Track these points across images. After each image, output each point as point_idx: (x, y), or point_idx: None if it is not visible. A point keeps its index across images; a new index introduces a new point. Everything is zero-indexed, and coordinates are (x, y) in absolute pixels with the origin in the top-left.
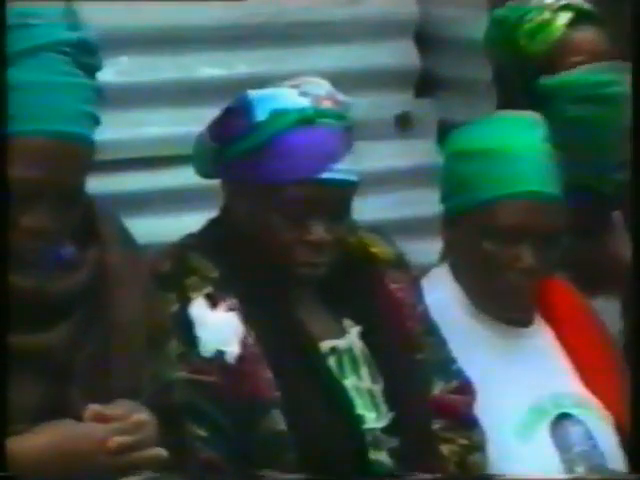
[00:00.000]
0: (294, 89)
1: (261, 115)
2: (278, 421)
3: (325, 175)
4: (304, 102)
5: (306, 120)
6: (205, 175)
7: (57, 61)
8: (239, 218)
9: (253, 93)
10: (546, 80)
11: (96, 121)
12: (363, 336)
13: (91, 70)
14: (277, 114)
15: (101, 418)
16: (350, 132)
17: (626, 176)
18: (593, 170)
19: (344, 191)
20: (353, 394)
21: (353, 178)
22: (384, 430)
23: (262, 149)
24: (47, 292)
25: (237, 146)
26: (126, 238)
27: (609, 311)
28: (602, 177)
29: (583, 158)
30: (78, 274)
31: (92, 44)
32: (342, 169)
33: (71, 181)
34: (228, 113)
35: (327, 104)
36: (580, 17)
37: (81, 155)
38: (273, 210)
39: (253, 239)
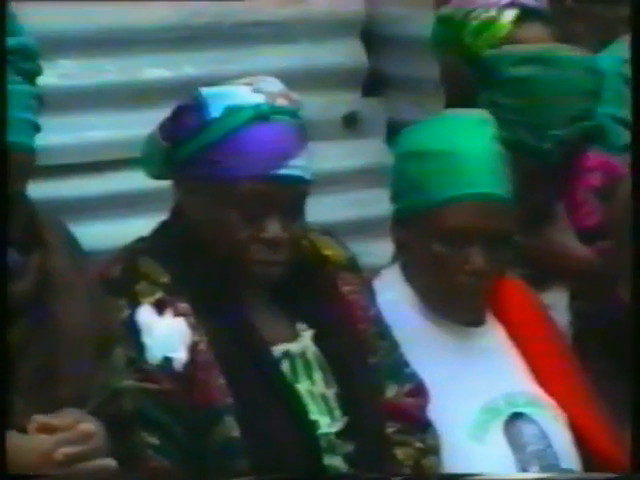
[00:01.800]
0: (247, 86)
1: (215, 112)
2: (231, 427)
3: (280, 172)
4: (258, 99)
5: (261, 117)
6: (156, 176)
7: None
8: (192, 219)
9: (206, 90)
10: (490, 51)
11: (36, 128)
12: (316, 340)
13: (31, 76)
14: (231, 111)
15: (47, 429)
16: (304, 130)
17: (565, 132)
18: (532, 128)
19: (299, 188)
20: (307, 399)
21: (308, 176)
22: (338, 435)
23: (216, 146)
24: None
25: (190, 144)
26: (71, 244)
27: (557, 304)
28: (541, 133)
29: (523, 118)
30: (22, 280)
31: (31, 49)
32: (297, 166)
33: (12, 189)
34: (180, 111)
35: (281, 101)
36: (526, 14)
37: (23, 164)
38: (228, 207)
39: (207, 239)
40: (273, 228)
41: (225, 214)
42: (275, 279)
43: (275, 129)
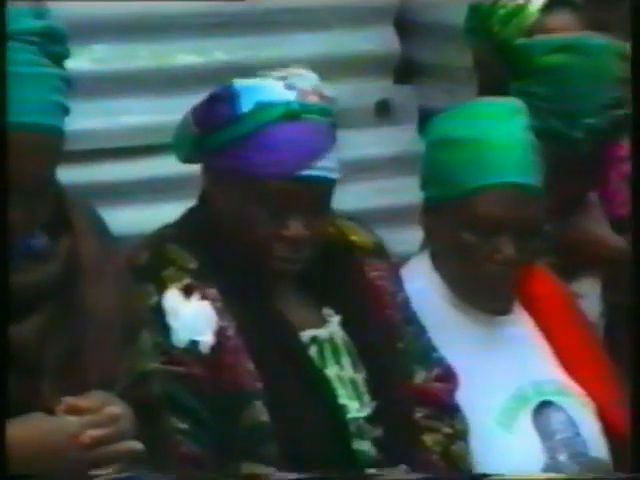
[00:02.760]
0: (280, 81)
1: (246, 106)
2: (260, 412)
3: (307, 172)
4: (290, 96)
5: (291, 115)
6: (185, 160)
7: (23, 51)
8: (217, 207)
9: (239, 83)
10: (521, 39)
11: (65, 111)
12: (344, 325)
13: (59, 59)
14: (262, 106)
15: (74, 410)
16: (334, 128)
17: (597, 121)
18: (564, 117)
19: (324, 188)
20: (335, 384)
21: (334, 176)
22: (367, 419)
23: (245, 141)
24: (19, 284)
25: (220, 135)
26: (100, 228)
27: (590, 293)
28: (573, 122)
29: (555, 106)
30: (50, 265)
31: (59, 32)
32: (324, 166)
33: (41, 172)
34: (213, 100)
35: (313, 99)
36: (555, 2)
37: (51, 146)
38: (252, 203)
39: (230, 229)
40: (295, 226)
41: (248, 209)
42: (294, 275)
43: (305, 128)
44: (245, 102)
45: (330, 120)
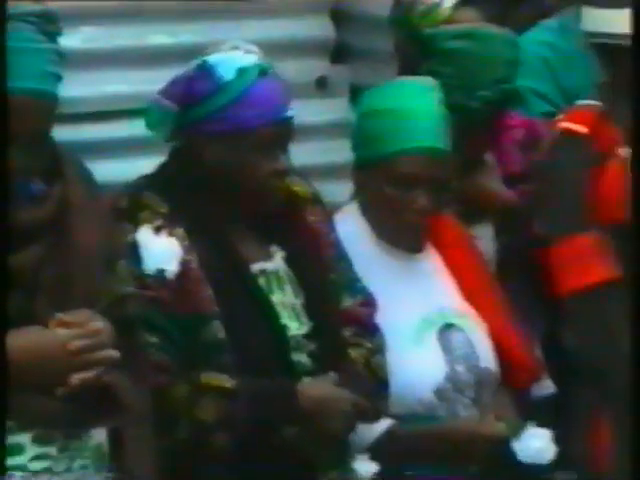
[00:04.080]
0: (240, 51)
1: (227, 75)
2: (218, 330)
3: (286, 114)
4: (254, 59)
5: (264, 72)
6: (168, 139)
7: (24, 29)
8: (209, 164)
9: (211, 58)
10: (429, 29)
11: (59, 79)
12: (287, 260)
13: (53, 36)
14: (242, 71)
15: (64, 324)
16: (288, 84)
17: (490, 93)
18: (464, 91)
19: (294, 128)
20: (279, 307)
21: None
22: (304, 336)
23: (234, 103)
24: (19, 220)
25: (205, 106)
26: (87, 178)
27: (485, 236)
28: (471, 95)
29: (456, 82)
30: (45, 206)
31: (53, 14)
32: (292, 109)
33: (38, 128)
34: (189, 79)
35: (266, 60)
36: (463, 1)
37: (46, 107)
38: (250, 151)
39: (230, 178)
40: (284, 160)
41: (248, 156)
42: (253, 218)
43: (273, 81)
44: (225, 72)
45: (283, 79)
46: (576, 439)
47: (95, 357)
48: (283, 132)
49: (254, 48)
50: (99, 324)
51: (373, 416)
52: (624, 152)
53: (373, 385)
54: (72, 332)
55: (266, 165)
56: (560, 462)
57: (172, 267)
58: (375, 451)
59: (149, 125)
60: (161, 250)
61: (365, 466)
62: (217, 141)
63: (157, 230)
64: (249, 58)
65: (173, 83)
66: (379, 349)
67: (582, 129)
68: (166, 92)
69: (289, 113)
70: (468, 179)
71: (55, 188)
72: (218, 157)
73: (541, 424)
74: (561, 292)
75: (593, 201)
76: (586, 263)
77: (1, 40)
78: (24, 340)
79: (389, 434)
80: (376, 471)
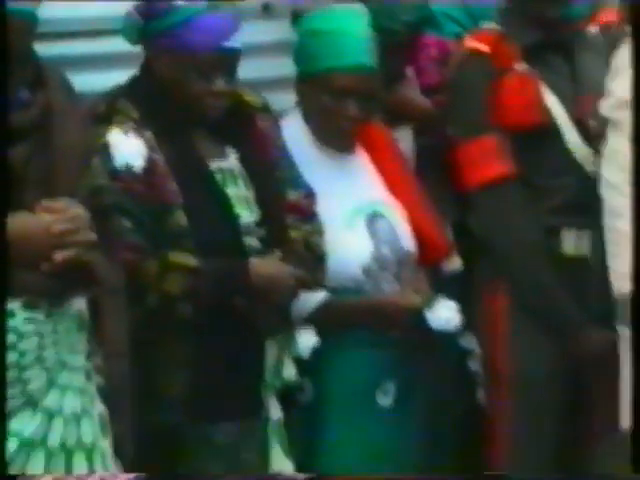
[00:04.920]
0: None
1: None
2: (181, 218)
3: (227, 44)
4: None
5: (214, 7)
6: (134, 43)
7: None
8: (160, 75)
9: None
10: None
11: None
12: (240, 159)
13: None
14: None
15: (48, 210)
16: (237, 16)
17: (409, 17)
18: (388, 15)
19: (236, 56)
20: (233, 199)
21: (240, 46)
22: (254, 223)
23: (182, 26)
24: (11, 123)
25: (160, 23)
26: (68, 87)
27: (405, 138)
28: (393, 18)
29: (381, 7)
30: (31, 111)
31: None
32: (236, 40)
33: (22, 45)
34: None
35: None
36: None
37: (27, 27)
38: (189, 70)
39: (172, 91)
40: (219, 83)
41: (187, 74)
42: (217, 118)
43: (223, 13)
44: None
45: (232, 9)
46: (477, 308)
47: (74, 238)
48: (225, 60)
49: None
50: (78, 210)
51: (312, 287)
52: (520, 67)
53: (311, 261)
54: (55, 217)
55: (202, 86)
56: (463, 328)
57: (140, 163)
58: (313, 319)
59: (124, 36)
60: (130, 149)
61: (306, 337)
62: (164, 57)
63: (127, 132)
64: None
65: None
66: (317, 232)
67: (485, 48)
68: (138, 6)
69: (234, 44)
70: (391, 90)
71: (39, 95)
72: (164, 72)
73: (450, 296)
74: (468, 186)
75: (494, 109)
76: (488, 161)
77: (1, 40)
78: (16, 223)
79: (324, 304)
80: (315, 343)
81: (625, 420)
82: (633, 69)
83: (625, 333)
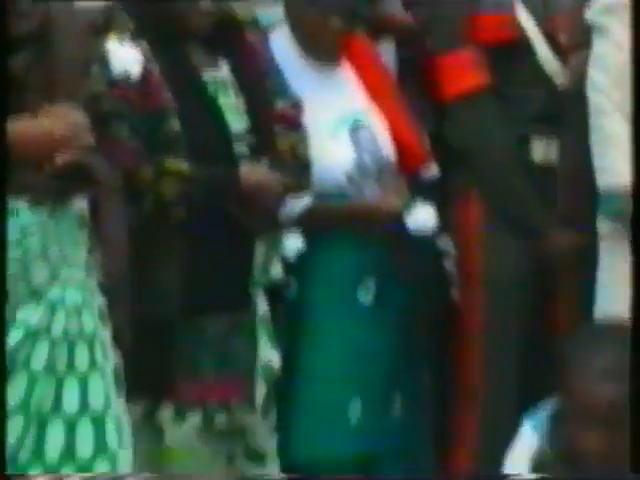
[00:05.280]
0: None
1: None
2: (175, 124)
3: None
4: None
5: None
6: None
7: None
8: None
9: None
10: None
11: None
12: (230, 70)
13: None
14: None
15: (50, 115)
16: None
17: None
18: None
19: None
20: (224, 108)
21: None
22: (244, 130)
23: None
24: (13, 32)
25: None
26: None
27: (387, 49)
28: None
29: None
30: (29, 23)
31: None
32: None
33: None
34: None
35: None
36: None
37: None
38: None
39: (159, 7)
40: (205, 4)
41: None
42: (206, 33)
43: None
44: None
45: None
46: (452, 212)
47: (75, 142)
48: None
49: None
50: (78, 116)
51: (298, 192)
52: None
53: (298, 168)
54: (57, 122)
55: (187, 5)
56: (439, 230)
57: (136, 71)
58: (299, 222)
59: None
60: (127, 58)
61: (292, 239)
62: None
63: (124, 42)
64: None
65: None
66: (303, 140)
67: None
68: None
69: None
70: (374, 5)
71: (40, 5)
72: None
73: (427, 201)
74: (445, 97)
75: (470, 25)
76: (464, 73)
77: (1, 40)
78: (19, 127)
79: (310, 208)
80: (301, 244)
81: (599, 310)
82: (633, 72)
83: (605, 227)
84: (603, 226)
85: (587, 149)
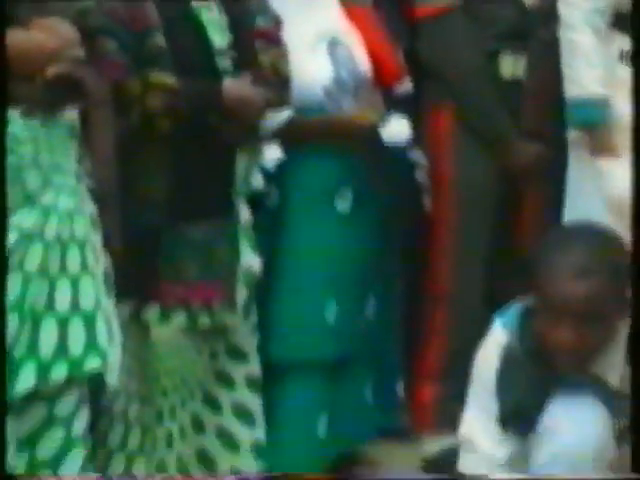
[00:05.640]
0: None
1: None
2: (160, 40)
3: None
4: None
5: None
6: None
7: None
8: None
9: None
10: None
11: None
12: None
13: None
14: None
15: (41, 28)
16: None
17: None
18: None
19: None
20: (208, 24)
21: None
22: (228, 45)
23: None
24: None
25: None
26: None
27: None
28: None
29: None
30: None
31: None
32: None
33: None
34: None
35: None
36: None
37: None
38: None
39: None
40: None
41: None
42: None
43: None
44: None
45: None
46: (424, 124)
47: (65, 55)
48: None
49: None
50: (68, 29)
51: (279, 105)
52: None
53: (278, 83)
54: (47, 35)
55: None
56: (412, 142)
57: None
58: (279, 134)
59: None
60: None
61: (272, 150)
62: None
63: None
64: None
65: None
66: (283, 56)
67: None
68: None
69: None
70: None
71: None
72: None
73: (401, 114)
74: (418, 15)
75: None
76: None
77: (1, 40)
78: (11, 39)
79: (289, 121)
80: (280, 155)
81: (568, 216)
82: (632, 72)
83: (574, 135)
84: (571, 135)
85: (555, 63)
